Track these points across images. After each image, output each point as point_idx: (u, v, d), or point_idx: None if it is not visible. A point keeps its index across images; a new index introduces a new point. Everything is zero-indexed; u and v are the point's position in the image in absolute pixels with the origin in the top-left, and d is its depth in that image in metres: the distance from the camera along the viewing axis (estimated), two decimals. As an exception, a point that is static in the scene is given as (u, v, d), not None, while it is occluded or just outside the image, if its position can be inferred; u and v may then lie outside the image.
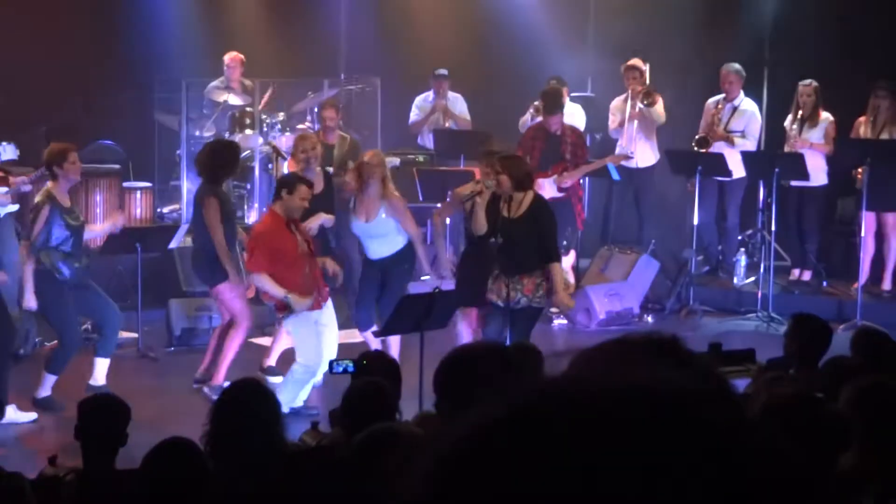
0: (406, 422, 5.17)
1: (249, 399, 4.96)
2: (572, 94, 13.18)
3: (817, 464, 3.75)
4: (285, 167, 11.20)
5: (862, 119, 11.78)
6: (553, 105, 11.63)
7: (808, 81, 11.88)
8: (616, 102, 12.78)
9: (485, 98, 13.74)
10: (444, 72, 13.62)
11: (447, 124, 13.60)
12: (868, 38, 12.68)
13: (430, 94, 13.72)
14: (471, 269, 9.10)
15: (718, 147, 12.18)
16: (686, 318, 11.74)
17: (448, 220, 10.66)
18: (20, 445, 7.99)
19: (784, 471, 1.03)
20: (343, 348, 9.00)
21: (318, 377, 9.22)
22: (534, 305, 8.66)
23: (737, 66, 12.36)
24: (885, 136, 11.60)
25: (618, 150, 12.50)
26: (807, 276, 12.34)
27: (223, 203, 9.34)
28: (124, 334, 10.66)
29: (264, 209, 11.00)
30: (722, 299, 12.20)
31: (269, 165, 12.76)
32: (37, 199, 9.16)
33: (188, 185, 13.14)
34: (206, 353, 9.58)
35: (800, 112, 11.92)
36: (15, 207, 10.15)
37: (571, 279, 12.25)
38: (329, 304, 8.98)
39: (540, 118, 11.91)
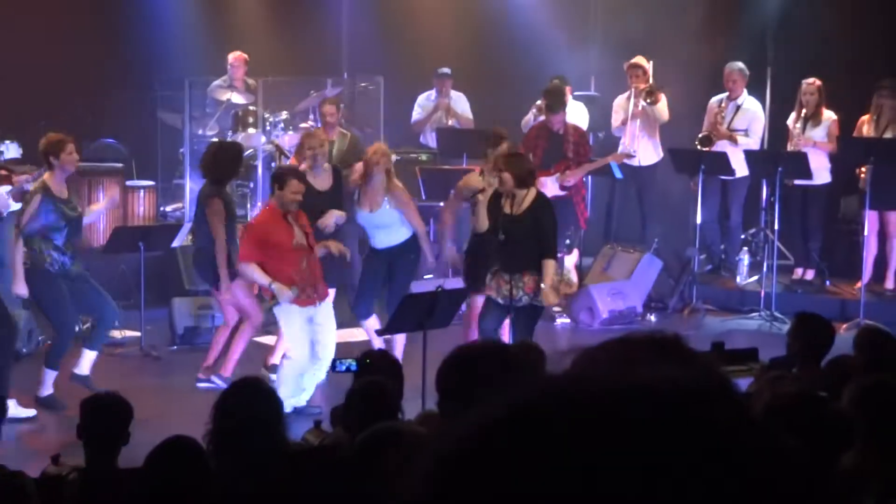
0: (408, 421, 5.17)
1: (252, 398, 4.96)
2: (575, 93, 13.18)
3: (820, 463, 3.75)
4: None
5: (865, 118, 11.77)
6: (556, 103, 11.62)
7: (811, 80, 11.87)
8: (619, 100, 12.78)
9: (487, 97, 13.73)
10: (446, 70, 13.62)
11: (450, 123, 13.60)
12: (871, 36, 12.66)
13: (432, 93, 13.71)
14: (478, 258, 9.16)
15: (722, 146, 12.17)
16: (689, 316, 11.74)
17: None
18: (22, 444, 7.99)
19: (786, 471, 1.03)
20: (344, 347, 8.99)
21: (322, 375, 9.23)
22: (535, 304, 8.67)
23: (740, 64, 12.35)
24: (888, 135, 11.59)
25: (620, 149, 12.50)
26: (810, 274, 12.33)
27: (227, 204, 9.35)
28: (127, 333, 10.69)
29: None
30: (725, 298, 12.20)
31: (273, 164, 12.76)
32: (31, 187, 9.13)
33: (191, 184, 13.14)
34: (208, 351, 9.57)
35: (803, 110, 11.91)
36: (18, 206, 10.15)
37: (574, 278, 12.25)
38: (327, 303, 8.95)
39: (542, 117, 11.90)
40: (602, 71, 14.11)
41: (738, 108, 12.34)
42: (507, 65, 14.19)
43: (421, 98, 13.80)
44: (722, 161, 11.91)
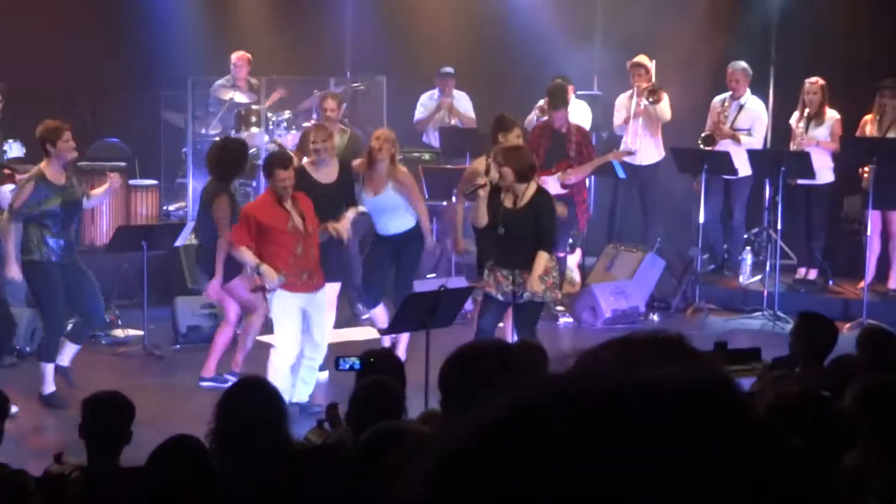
0: (411, 420, 5.17)
1: (254, 397, 4.96)
2: (578, 92, 13.17)
3: (822, 463, 3.74)
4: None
5: (868, 117, 11.76)
6: (558, 100, 11.62)
7: (814, 79, 11.86)
8: (621, 99, 12.78)
9: (490, 96, 13.72)
10: (449, 70, 13.62)
11: (452, 122, 13.59)
12: (874, 35, 12.66)
13: (435, 92, 13.71)
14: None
15: (724, 145, 12.17)
16: (692, 316, 11.73)
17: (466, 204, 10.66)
18: (24, 443, 7.99)
19: (788, 471, 1.02)
20: (345, 347, 8.98)
21: (324, 374, 9.23)
22: (536, 300, 8.66)
23: (743, 64, 12.35)
24: (891, 134, 11.58)
25: (622, 147, 12.49)
26: (813, 274, 12.32)
27: (231, 202, 9.34)
28: (130, 332, 10.70)
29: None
30: (728, 298, 12.19)
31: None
32: (26, 175, 9.10)
33: (194, 183, 13.15)
34: (209, 350, 9.56)
35: (806, 110, 11.90)
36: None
37: (577, 277, 12.26)
38: (323, 293, 8.91)
39: (545, 118, 11.90)
40: (605, 70, 14.11)
41: (741, 107, 12.33)
42: (510, 64, 14.19)
43: (423, 97, 13.80)
44: (725, 160, 11.90)
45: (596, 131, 13.32)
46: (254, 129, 13.16)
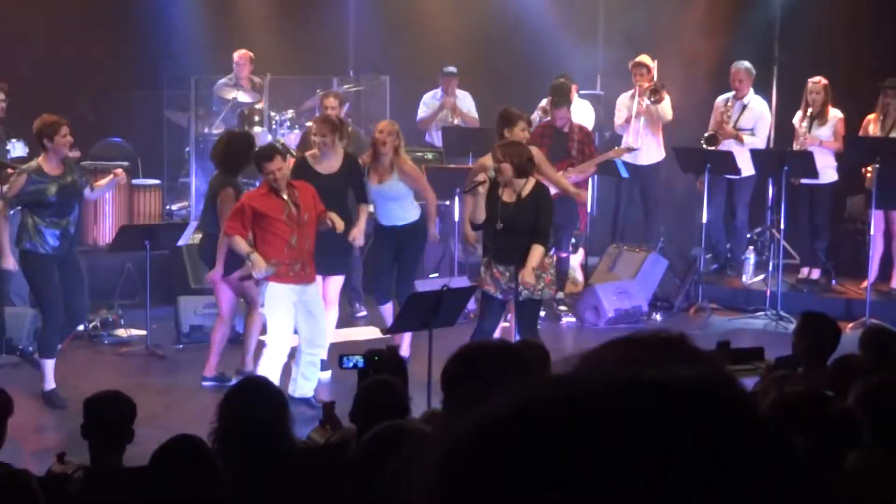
0: (414, 419, 5.17)
1: (257, 397, 4.96)
2: (581, 92, 13.17)
3: (825, 462, 3.74)
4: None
5: (871, 117, 11.76)
6: (559, 99, 11.62)
7: (817, 78, 11.86)
8: (622, 98, 12.78)
9: (492, 96, 13.70)
10: (452, 69, 13.62)
11: (455, 122, 13.59)
12: (877, 35, 12.65)
13: (438, 92, 13.71)
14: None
15: (728, 145, 12.17)
16: (695, 316, 11.73)
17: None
18: (25, 443, 7.99)
19: (791, 470, 1.02)
20: (346, 347, 8.97)
21: (327, 374, 9.23)
22: (535, 297, 8.67)
23: (747, 63, 12.34)
24: (894, 134, 11.57)
25: (622, 145, 12.49)
26: (816, 274, 12.32)
27: (237, 194, 9.33)
28: (133, 331, 10.70)
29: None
30: (731, 297, 12.19)
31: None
32: (21, 167, 9.09)
33: (197, 183, 13.15)
34: (210, 350, 9.55)
35: (809, 109, 11.90)
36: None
37: (580, 277, 12.26)
38: (315, 286, 8.86)
39: (548, 118, 11.90)
40: (608, 69, 14.11)
41: (744, 107, 12.33)
42: (513, 64, 14.19)
43: (426, 97, 13.80)
44: (728, 160, 11.90)
45: (599, 130, 13.32)
46: (257, 129, 13.16)
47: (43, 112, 9.12)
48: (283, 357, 8.65)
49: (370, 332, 10.41)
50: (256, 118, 13.31)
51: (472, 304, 9.96)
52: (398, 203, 9.68)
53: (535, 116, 12.49)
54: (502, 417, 1.02)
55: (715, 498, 0.98)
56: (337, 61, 15.29)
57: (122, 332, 10.76)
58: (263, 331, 9.05)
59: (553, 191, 9.85)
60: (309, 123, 13.18)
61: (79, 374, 9.32)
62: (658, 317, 11.75)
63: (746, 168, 11.97)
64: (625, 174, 12.25)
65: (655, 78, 12.59)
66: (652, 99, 12.40)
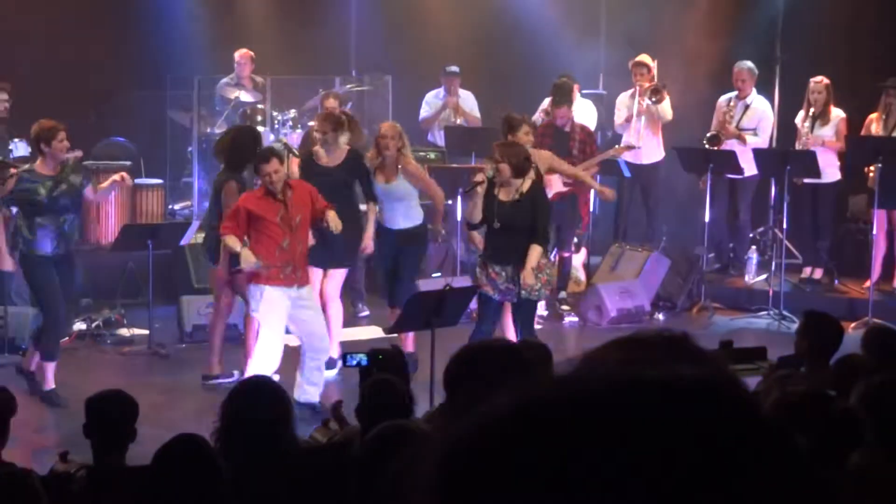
0: (416, 419, 5.17)
1: (260, 396, 4.96)
2: (583, 91, 13.16)
3: (828, 461, 3.74)
4: (294, 164, 11.17)
5: (873, 116, 11.76)
6: (560, 98, 11.62)
7: (819, 78, 11.86)
8: (622, 98, 12.78)
9: (495, 95, 13.72)
10: (455, 69, 13.61)
11: (458, 121, 13.59)
12: (879, 34, 12.65)
13: (440, 91, 13.71)
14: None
15: (730, 144, 12.17)
16: (697, 315, 11.73)
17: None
18: (25, 442, 7.99)
19: (793, 470, 1.02)
20: (349, 346, 8.96)
21: (333, 372, 9.23)
22: (532, 298, 8.68)
23: (749, 63, 12.34)
24: (896, 133, 11.58)
25: (622, 144, 12.48)
26: (818, 273, 12.31)
27: (242, 190, 9.33)
28: (135, 331, 10.71)
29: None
30: (733, 297, 12.19)
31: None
32: (22, 168, 9.10)
33: (199, 182, 13.15)
34: (210, 348, 9.55)
35: (811, 109, 11.90)
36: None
37: (583, 276, 12.26)
38: (308, 290, 8.82)
39: (549, 118, 11.90)
40: (610, 69, 14.10)
41: (746, 107, 12.33)
42: (515, 63, 14.19)
43: (429, 96, 13.79)
44: (730, 160, 11.90)
45: (601, 130, 13.31)
46: (259, 129, 13.16)
47: (45, 112, 9.14)
48: (275, 361, 8.58)
49: (372, 332, 10.41)
50: (259, 118, 13.32)
51: (474, 304, 9.96)
52: (404, 203, 9.65)
53: (537, 118, 12.48)
54: (503, 417, 1.02)
55: (717, 498, 0.97)
56: (339, 61, 15.29)
57: (124, 332, 10.77)
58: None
59: (554, 191, 9.87)
60: (311, 123, 13.20)
61: (81, 374, 9.32)
62: (661, 316, 11.75)
63: (749, 168, 11.96)
64: (627, 173, 12.25)
65: (656, 77, 12.59)
66: (653, 99, 12.40)
